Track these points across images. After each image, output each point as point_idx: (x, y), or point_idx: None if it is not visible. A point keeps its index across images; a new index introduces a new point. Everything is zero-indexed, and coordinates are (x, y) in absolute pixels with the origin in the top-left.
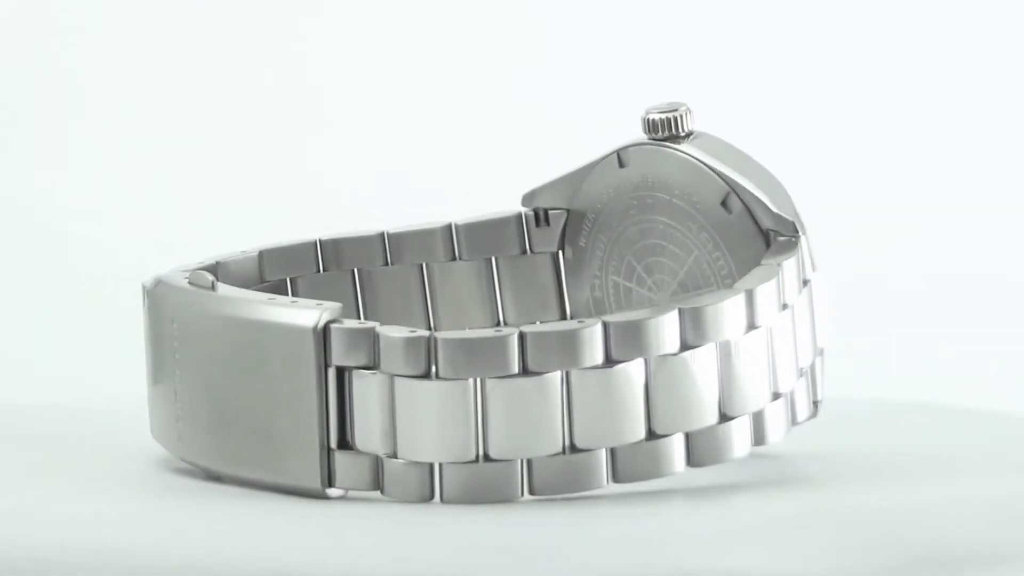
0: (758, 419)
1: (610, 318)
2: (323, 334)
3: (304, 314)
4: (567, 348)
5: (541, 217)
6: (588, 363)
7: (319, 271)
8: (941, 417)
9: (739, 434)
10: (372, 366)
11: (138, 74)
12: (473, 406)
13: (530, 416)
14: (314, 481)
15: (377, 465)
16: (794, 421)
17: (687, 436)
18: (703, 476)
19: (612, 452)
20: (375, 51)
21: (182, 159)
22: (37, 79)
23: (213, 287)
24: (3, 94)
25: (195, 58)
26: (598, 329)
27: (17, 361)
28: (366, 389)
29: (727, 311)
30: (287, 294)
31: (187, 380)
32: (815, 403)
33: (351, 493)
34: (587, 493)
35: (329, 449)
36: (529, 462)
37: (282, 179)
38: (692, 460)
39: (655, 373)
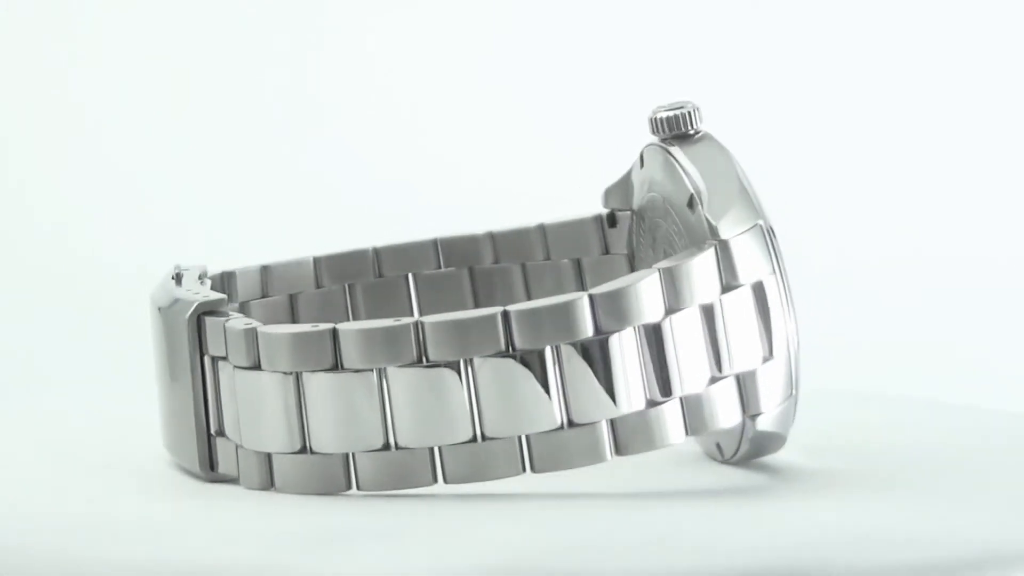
0: (623, 424)
1: (428, 318)
2: (197, 324)
3: (183, 305)
4: (382, 346)
5: (615, 218)
6: (402, 361)
7: (439, 267)
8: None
9: (588, 440)
10: (226, 356)
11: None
12: (295, 399)
13: (349, 411)
14: (195, 465)
15: (237, 452)
16: (702, 429)
17: (527, 440)
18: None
19: (440, 452)
20: (373, 56)
21: (220, 175)
22: (54, 95)
23: (178, 280)
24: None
25: (212, 67)
26: (410, 328)
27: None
28: (223, 379)
29: (563, 314)
30: (407, 290)
31: (155, 370)
32: (754, 416)
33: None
34: (418, 490)
35: (209, 435)
36: (354, 457)
37: (281, 183)
38: (534, 465)
39: (478, 374)
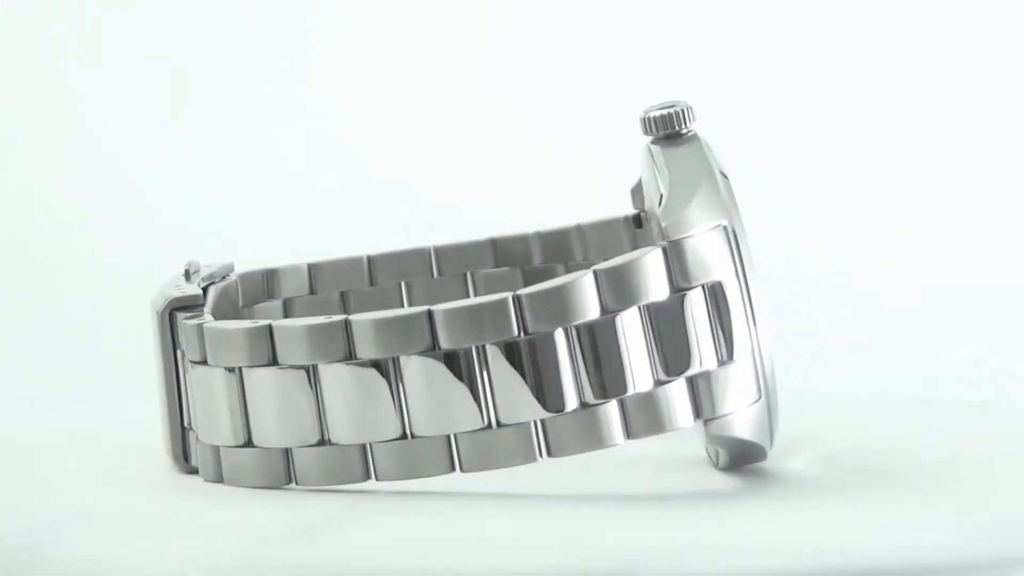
0: (554, 425)
1: (356, 316)
2: (169, 319)
3: (160, 300)
4: (313, 342)
5: (640, 219)
6: (333, 358)
7: (495, 267)
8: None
9: (516, 441)
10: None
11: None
12: (238, 394)
13: (286, 407)
14: (171, 456)
15: (195, 445)
16: (646, 432)
17: (455, 439)
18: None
19: (371, 448)
20: (373, 56)
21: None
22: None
23: (187, 276)
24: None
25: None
26: (340, 326)
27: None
28: (186, 373)
29: (487, 313)
30: (466, 290)
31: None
32: (709, 420)
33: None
34: (354, 486)
35: (183, 428)
36: (292, 452)
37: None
38: (463, 465)
39: (404, 373)
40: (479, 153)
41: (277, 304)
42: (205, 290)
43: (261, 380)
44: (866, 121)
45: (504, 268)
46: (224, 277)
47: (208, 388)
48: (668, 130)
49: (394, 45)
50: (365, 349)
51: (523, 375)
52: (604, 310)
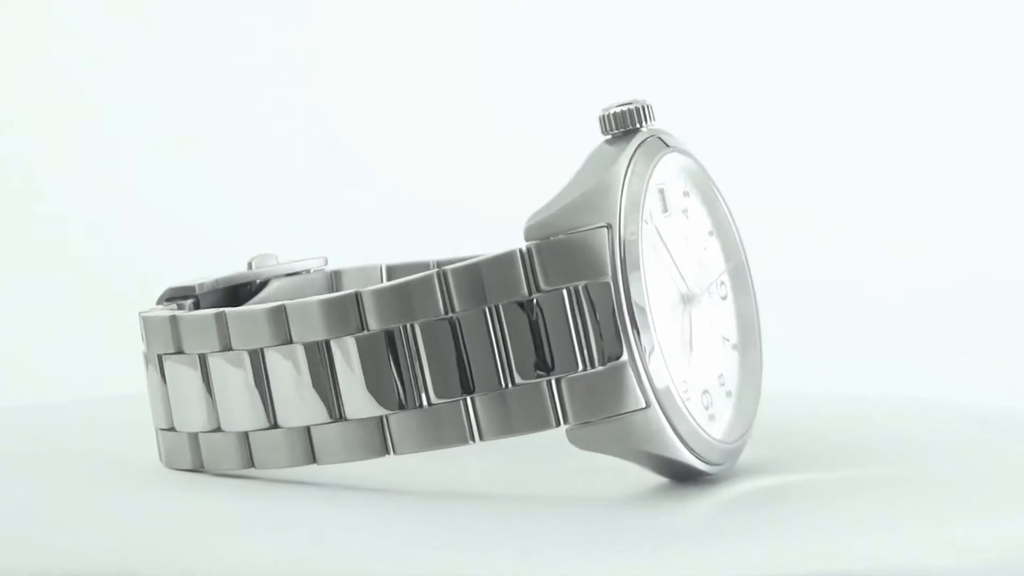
0: (399, 423)
1: (230, 310)
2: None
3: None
4: (200, 333)
5: None
6: (215, 349)
7: None
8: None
9: (360, 436)
10: None
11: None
12: (160, 380)
13: (184, 395)
14: None
15: None
16: (496, 434)
17: (309, 431)
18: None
19: (249, 437)
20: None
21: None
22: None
23: (249, 267)
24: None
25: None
26: (223, 317)
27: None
28: None
29: (333, 310)
30: None
31: None
32: (576, 426)
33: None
34: (246, 472)
35: None
36: (197, 437)
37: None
38: (317, 457)
39: (267, 363)
40: (485, 154)
41: None
42: (264, 283)
43: (171, 368)
44: (866, 122)
45: None
46: (309, 271)
47: (147, 374)
48: (625, 127)
49: (397, 48)
50: (237, 340)
51: (362, 372)
52: (450, 309)
